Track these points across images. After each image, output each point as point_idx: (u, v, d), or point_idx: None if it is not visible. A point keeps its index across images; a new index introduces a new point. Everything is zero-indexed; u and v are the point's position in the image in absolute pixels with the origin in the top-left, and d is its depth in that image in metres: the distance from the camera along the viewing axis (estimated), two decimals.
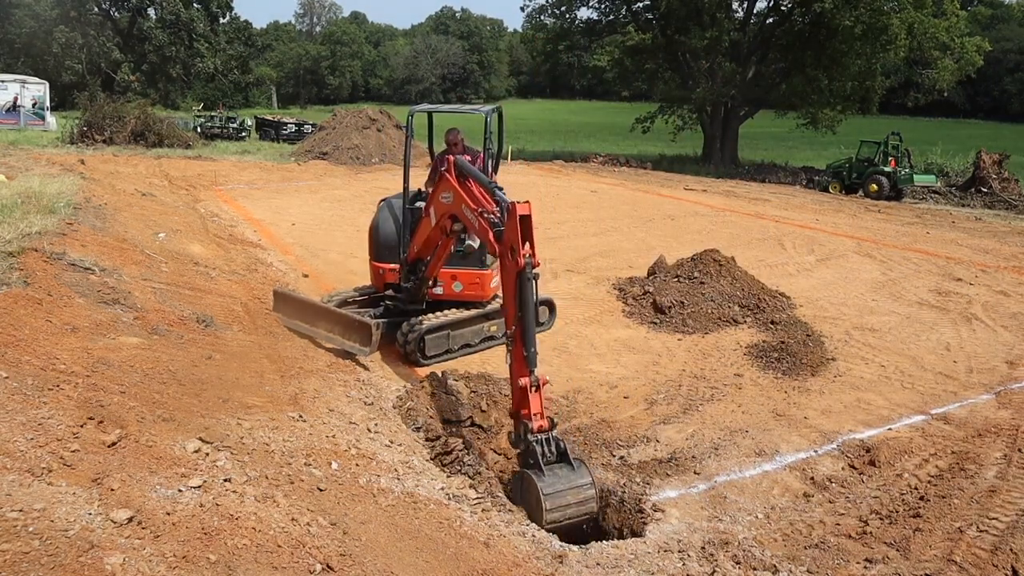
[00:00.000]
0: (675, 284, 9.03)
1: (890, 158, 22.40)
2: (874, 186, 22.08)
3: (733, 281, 9.01)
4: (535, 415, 4.63)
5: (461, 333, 7.34)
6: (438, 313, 7.28)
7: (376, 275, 7.69)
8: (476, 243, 6.79)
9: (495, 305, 7.56)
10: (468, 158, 6.55)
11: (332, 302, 7.67)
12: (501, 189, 5.39)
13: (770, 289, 9.11)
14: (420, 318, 7.13)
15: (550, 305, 8.19)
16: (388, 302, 7.49)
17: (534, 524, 4.29)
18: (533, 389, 4.67)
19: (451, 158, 5.91)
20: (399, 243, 7.32)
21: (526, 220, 4.73)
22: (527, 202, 4.86)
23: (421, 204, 6.96)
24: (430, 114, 7.94)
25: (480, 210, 5.29)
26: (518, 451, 4.79)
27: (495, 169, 7.45)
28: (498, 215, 5.09)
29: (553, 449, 4.59)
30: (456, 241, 6.37)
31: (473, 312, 7.45)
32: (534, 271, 4.69)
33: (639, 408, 6.20)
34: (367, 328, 6.70)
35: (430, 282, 7.13)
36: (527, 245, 4.69)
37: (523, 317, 4.70)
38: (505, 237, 4.82)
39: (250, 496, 3.53)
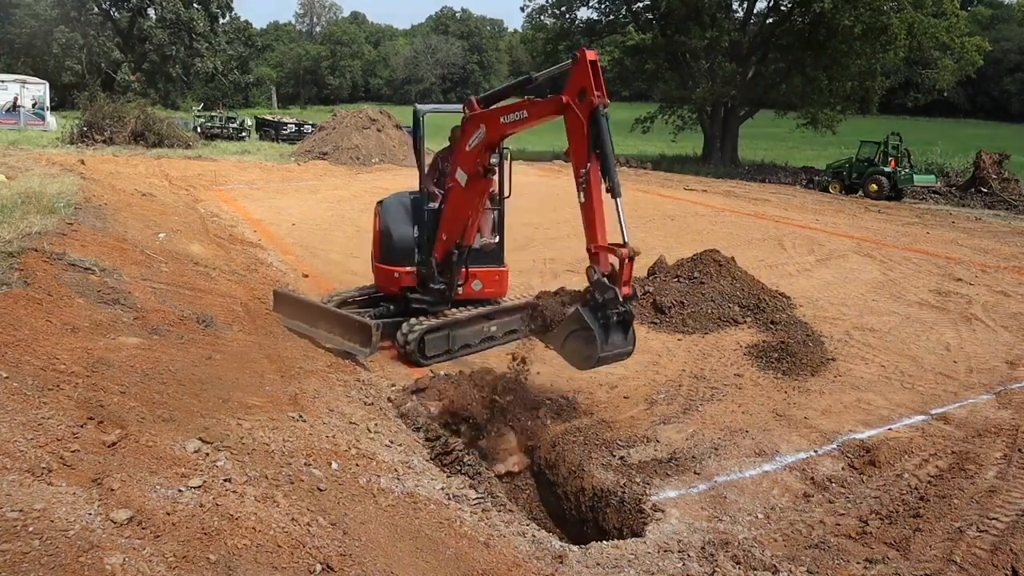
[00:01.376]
0: (675, 284, 9.03)
1: (890, 158, 22.40)
2: (874, 186, 22.13)
3: (733, 281, 9.00)
4: (625, 282, 4.99)
5: (462, 333, 7.32)
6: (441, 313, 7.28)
7: (388, 278, 7.51)
8: (492, 240, 7.41)
9: (495, 306, 7.64)
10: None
11: (332, 302, 7.66)
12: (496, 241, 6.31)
13: (770, 289, 9.11)
14: (420, 319, 7.11)
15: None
16: (414, 305, 7.38)
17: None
18: (628, 260, 4.98)
19: (473, 98, 6.37)
20: (414, 246, 7.29)
21: (595, 64, 5.07)
22: (595, 49, 5.43)
23: (432, 204, 7.19)
24: (423, 114, 7.74)
25: (518, 104, 5.83)
26: (591, 294, 5.09)
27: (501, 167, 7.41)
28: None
29: (625, 319, 5.03)
30: (490, 199, 6.87)
31: (474, 312, 7.44)
32: (605, 109, 5.05)
33: (639, 408, 6.20)
34: (367, 329, 6.67)
35: (462, 275, 7.21)
36: (597, 91, 5.03)
37: (603, 153, 5.00)
38: (573, 81, 5.15)
39: (250, 496, 3.53)
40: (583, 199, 5.15)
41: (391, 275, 7.45)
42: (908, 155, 23.09)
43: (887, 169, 22.15)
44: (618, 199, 5.01)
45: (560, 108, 5.43)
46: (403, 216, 7.40)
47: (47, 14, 50.74)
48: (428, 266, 7.18)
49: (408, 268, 7.35)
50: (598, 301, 5.02)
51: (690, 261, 9.42)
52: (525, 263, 11.15)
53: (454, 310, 7.33)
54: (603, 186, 5.03)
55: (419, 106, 7.37)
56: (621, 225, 5.04)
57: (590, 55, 5.12)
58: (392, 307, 7.59)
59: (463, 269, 7.21)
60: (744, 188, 22.70)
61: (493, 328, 7.51)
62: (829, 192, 23.11)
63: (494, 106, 6.23)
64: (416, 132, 7.34)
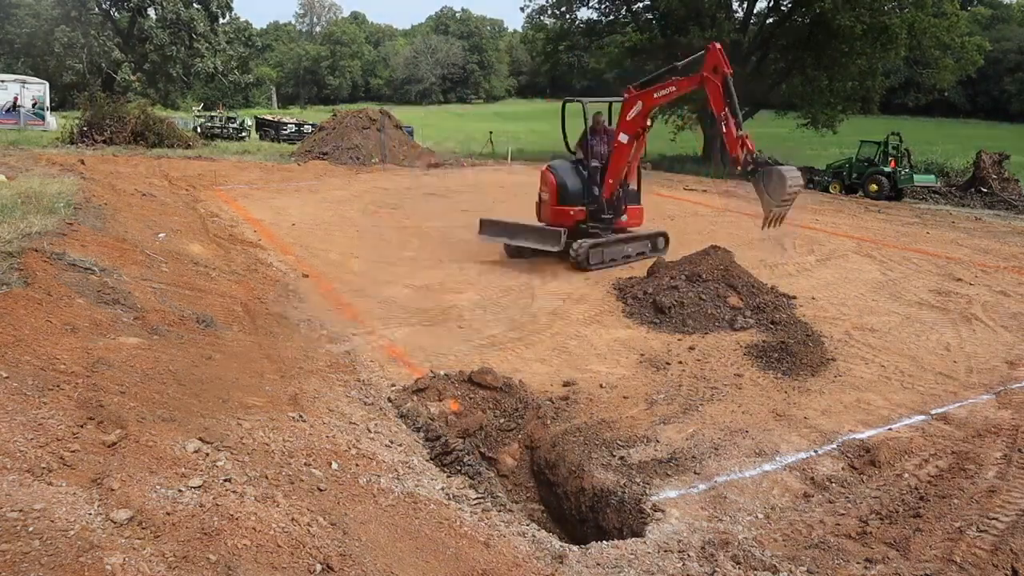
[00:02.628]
0: (675, 284, 9.01)
1: (890, 158, 22.36)
2: (874, 186, 22.13)
3: (734, 280, 8.98)
4: (753, 149, 8.77)
5: (610, 250, 10.90)
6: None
7: (566, 216, 10.78)
8: (634, 186, 11.36)
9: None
10: (608, 134, 10.80)
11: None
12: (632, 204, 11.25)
13: (771, 288, 9.09)
14: (584, 239, 10.56)
15: (666, 236, 11.89)
16: (590, 230, 10.86)
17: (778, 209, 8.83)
18: (747, 138, 8.69)
19: (630, 88, 10.10)
20: (581, 192, 10.78)
21: (721, 49, 8.81)
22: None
23: (595, 163, 10.80)
24: (563, 104, 11.29)
25: (667, 84, 9.61)
26: (753, 163, 8.84)
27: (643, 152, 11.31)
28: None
29: (774, 161, 8.41)
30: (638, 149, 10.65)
31: (621, 236, 11.15)
32: (730, 76, 8.85)
33: (639, 408, 6.20)
34: (557, 234, 10.50)
35: (623, 202, 11.04)
36: (727, 68, 8.87)
37: (732, 105, 8.77)
38: (708, 62, 8.93)
39: (250, 496, 3.53)
40: (723, 129, 8.95)
41: (568, 212, 10.76)
42: (908, 155, 23.06)
43: (887, 169, 22.12)
44: (742, 127, 8.90)
45: (701, 81, 9.07)
46: (572, 174, 10.91)
47: (48, 14, 50.72)
48: (598, 203, 10.72)
49: (579, 207, 10.78)
50: (756, 165, 8.82)
51: (689, 261, 9.41)
52: (525, 263, 11.16)
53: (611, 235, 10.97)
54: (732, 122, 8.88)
55: (576, 100, 11.05)
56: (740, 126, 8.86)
57: (718, 45, 8.90)
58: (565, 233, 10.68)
59: (623, 205, 10.98)
60: (744, 188, 22.58)
61: (629, 249, 11.16)
62: (829, 192, 23.02)
63: (647, 89, 9.84)
64: (562, 120, 11.27)
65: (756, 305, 8.59)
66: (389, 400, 6.05)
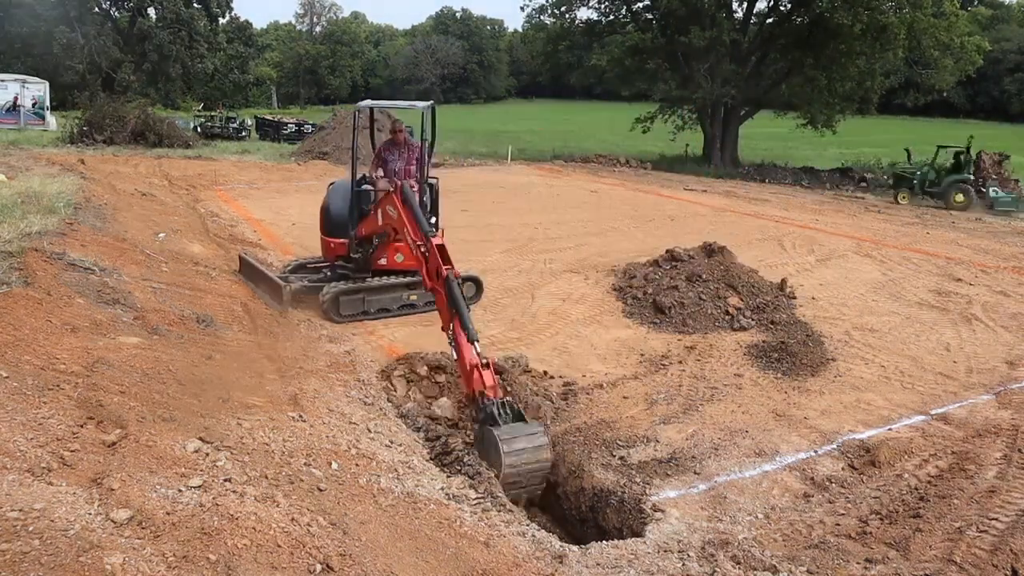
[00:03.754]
0: (676, 284, 9.00)
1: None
2: (960, 196, 19.37)
3: (734, 280, 8.98)
4: (490, 387, 5.30)
5: (378, 299, 8.40)
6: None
7: (328, 248, 8.88)
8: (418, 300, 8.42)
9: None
10: (410, 148, 8.72)
11: (289, 267, 9.35)
12: (431, 224, 6.75)
13: (774, 284, 9.06)
14: (335, 283, 8.32)
15: (476, 282, 9.11)
16: (339, 270, 8.66)
17: (501, 486, 4.76)
18: (484, 367, 5.38)
19: (399, 184, 7.20)
20: (347, 221, 8.48)
21: (442, 247, 6.13)
22: (441, 231, 6.57)
23: (367, 187, 8.40)
24: (371, 109, 9.26)
25: (417, 243, 6.50)
26: (479, 420, 5.33)
27: (430, 156, 8.91)
28: (425, 246, 6.28)
29: (509, 411, 5.18)
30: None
31: (393, 280, 8.48)
32: (456, 279, 5.92)
33: (639, 408, 6.20)
34: (278, 287, 8.23)
35: (380, 253, 8.41)
36: (447, 265, 5.97)
37: (458, 311, 5.69)
38: (431, 264, 6.15)
39: (250, 496, 3.53)
40: (453, 354, 5.75)
41: (329, 245, 8.82)
42: (979, 162, 20.67)
43: (971, 177, 19.83)
44: (475, 347, 5.55)
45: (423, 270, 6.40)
46: (340, 197, 8.72)
47: (47, 14, 50.65)
48: (350, 238, 8.46)
49: (341, 240, 8.62)
50: (484, 419, 5.23)
51: (690, 258, 9.39)
52: (525, 263, 11.16)
53: (374, 279, 8.44)
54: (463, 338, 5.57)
55: (361, 104, 8.88)
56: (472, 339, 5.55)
57: (436, 240, 6.20)
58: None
59: (376, 260, 8.44)
60: (744, 188, 22.68)
61: (413, 297, 8.50)
62: (898, 203, 19.88)
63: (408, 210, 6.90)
64: (354, 125, 8.54)
65: (756, 305, 8.59)
66: (389, 400, 6.05)
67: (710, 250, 9.52)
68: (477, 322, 8.22)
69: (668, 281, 9.07)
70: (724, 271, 9.06)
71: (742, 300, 8.66)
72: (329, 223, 8.81)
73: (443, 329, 5.87)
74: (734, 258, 9.43)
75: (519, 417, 5.18)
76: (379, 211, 7.68)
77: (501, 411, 5.12)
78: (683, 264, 9.39)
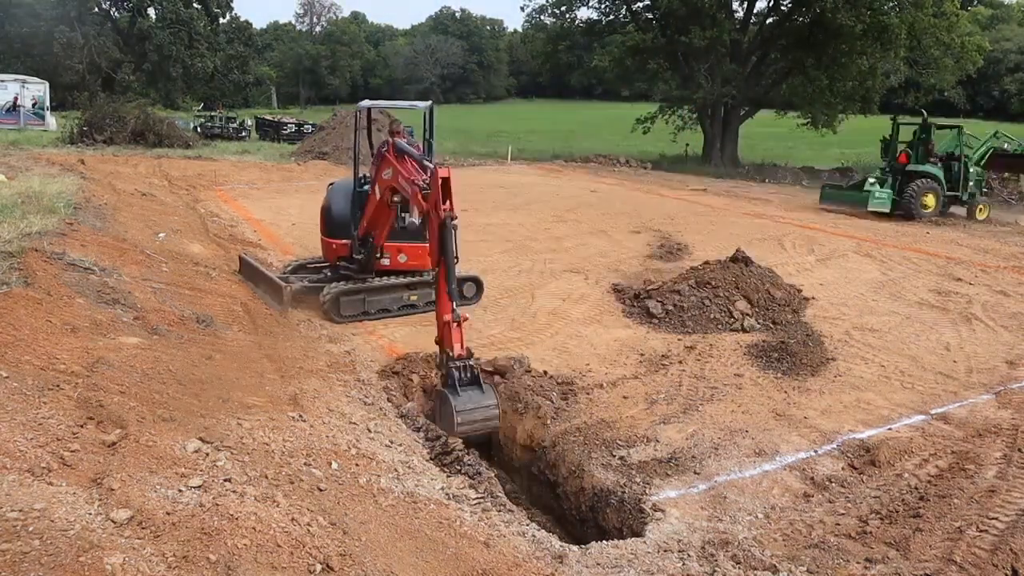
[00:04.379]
0: (678, 288, 8.87)
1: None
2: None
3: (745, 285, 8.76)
4: (455, 344, 5.66)
5: (378, 299, 8.44)
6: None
7: (329, 249, 8.83)
8: (417, 220, 7.99)
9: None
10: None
11: (289, 268, 9.36)
12: (431, 162, 6.43)
13: (791, 286, 8.95)
14: (335, 284, 8.33)
15: (477, 282, 9.12)
16: (341, 271, 8.62)
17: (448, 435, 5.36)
18: (455, 324, 5.69)
19: (391, 140, 7.19)
20: (349, 222, 8.48)
21: (446, 181, 5.90)
22: (447, 167, 6.06)
23: (368, 187, 8.25)
24: (369, 110, 9.30)
25: (412, 178, 6.38)
26: (440, 373, 5.85)
27: (430, 154, 8.48)
28: (427, 181, 6.07)
29: (468, 374, 5.62)
30: (397, 217, 7.82)
31: (393, 281, 8.54)
32: (453, 222, 5.91)
33: (639, 408, 6.20)
34: (279, 288, 8.24)
35: (378, 252, 8.33)
36: (448, 202, 5.85)
37: (445, 259, 5.76)
38: (430, 196, 5.95)
39: (250, 496, 3.53)
40: (435, 295, 6.13)
41: (331, 246, 8.78)
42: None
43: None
44: (455, 307, 5.81)
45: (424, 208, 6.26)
46: (346, 197, 8.69)
47: (47, 14, 50.68)
48: (352, 238, 8.45)
49: (343, 240, 8.61)
50: (443, 376, 5.78)
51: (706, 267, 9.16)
52: (525, 263, 11.16)
53: (378, 279, 8.48)
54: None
55: (361, 104, 8.98)
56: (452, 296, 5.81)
57: (441, 172, 5.99)
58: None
59: (379, 248, 8.31)
60: (744, 188, 22.66)
61: (414, 297, 8.60)
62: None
63: (404, 159, 6.93)
64: (356, 126, 8.80)
65: (764, 306, 8.50)
66: (389, 400, 6.05)
67: (735, 259, 9.19)
68: (478, 322, 8.25)
69: (670, 285, 8.95)
70: (735, 279, 8.78)
71: (752, 308, 8.48)
72: (331, 224, 8.82)
73: (432, 266, 6.13)
74: (751, 268, 9.10)
75: (476, 381, 5.64)
76: (376, 185, 7.66)
77: (461, 374, 5.58)
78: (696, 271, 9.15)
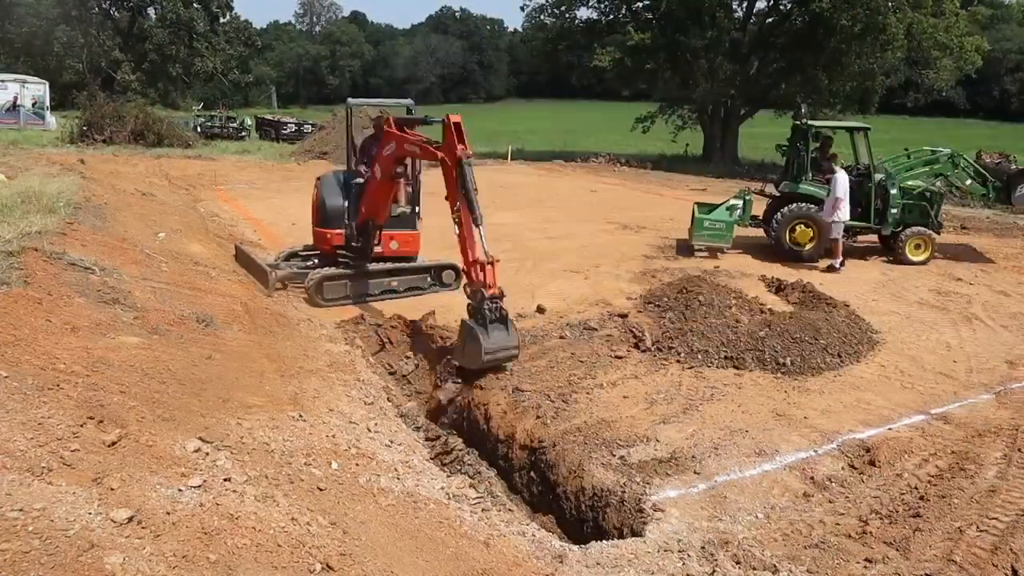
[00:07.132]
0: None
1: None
2: None
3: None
4: (490, 284, 6.18)
5: (361, 284, 8.89)
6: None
7: (324, 239, 9.17)
8: (408, 209, 9.16)
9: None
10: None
11: (283, 255, 9.79)
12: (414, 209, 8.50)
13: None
14: (320, 269, 8.81)
15: (456, 269, 9.27)
16: (341, 259, 9.01)
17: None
18: (489, 264, 6.22)
19: (390, 117, 8.02)
20: (343, 212, 8.95)
21: (458, 125, 6.57)
22: (458, 114, 6.79)
23: (359, 180, 8.86)
24: (349, 108, 9.57)
25: (419, 137, 7.35)
26: (471, 306, 6.32)
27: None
28: (430, 141, 6.98)
29: (498, 314, 6.18)
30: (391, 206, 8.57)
31: (376, 267, 9.02)
32: (468, 160, 6.48)
33: (639, 408, 6.20)
34: (264, 272, 8.89)
35: (376, 239, 8.84)
36: (462, 143, 6.46)
37: (467, 195, 6.31)
38: (445, 140, 6.60)
39: (250, 496, 3.53)
40: (457, 233, 6.54)
41: (326, 236, 9.12)
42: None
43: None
44: (483, 244, 6.39)
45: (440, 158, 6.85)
46: (338, 190, 9.11)
47: (48, 13, 50.67)
48: (348, 228, 8.91)
49: (338, 230, 9.03)
50: (476, 311, 6.24)
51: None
52: (525, 263, 11.16)
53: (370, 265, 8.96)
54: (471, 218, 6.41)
55: (350, 100, 9.54)
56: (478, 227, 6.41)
57: (453, 118, 6.67)
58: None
59: (380, 227, 8.82)
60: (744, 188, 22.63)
61: (395, 282, 9.14)
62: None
63: (405, 131, 7.76)
64: (347, 122, 9.41)
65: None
66: (389, 400, 6.05)
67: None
68: None
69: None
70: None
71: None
72: (324, 215, 9.12)
73: (450, 206, 6.59)
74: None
75: (503, 320, 6.16)
76: (377, 166, 8.18)
77: (492, 314, 6.07)
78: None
